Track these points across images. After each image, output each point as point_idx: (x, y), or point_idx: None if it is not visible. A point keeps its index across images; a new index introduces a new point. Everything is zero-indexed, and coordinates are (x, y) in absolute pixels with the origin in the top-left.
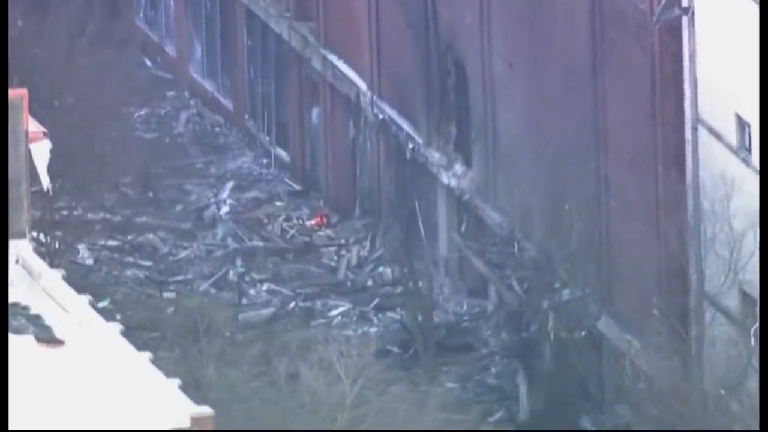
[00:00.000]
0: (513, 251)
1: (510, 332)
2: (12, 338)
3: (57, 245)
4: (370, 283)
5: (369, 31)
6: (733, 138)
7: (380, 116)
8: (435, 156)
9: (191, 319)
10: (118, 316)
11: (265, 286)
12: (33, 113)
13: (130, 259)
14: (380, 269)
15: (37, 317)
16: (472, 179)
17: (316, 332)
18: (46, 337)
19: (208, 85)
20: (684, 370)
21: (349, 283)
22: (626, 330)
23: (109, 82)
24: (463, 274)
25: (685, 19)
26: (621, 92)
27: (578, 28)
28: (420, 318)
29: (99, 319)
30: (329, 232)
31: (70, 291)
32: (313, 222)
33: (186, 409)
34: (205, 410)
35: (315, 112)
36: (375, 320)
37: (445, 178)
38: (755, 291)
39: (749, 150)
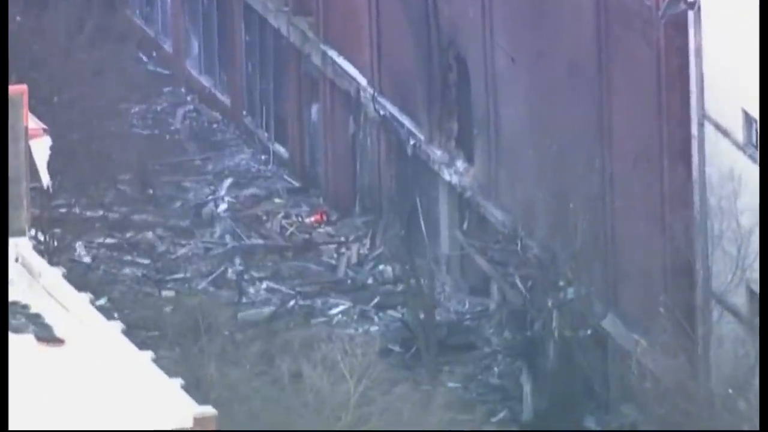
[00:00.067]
0: (516, 249)
1: (513, 331)
2: (12, 337)
3: (56, 243)
4: (370, 281)
5: (369, 26)
6: (739, 134)
7: (381, 112)
8: (436, 153)
9: (191, 317)
10: (116, 315)
11: (264, 285)
12: (32, 109)
13: (128, 257)
14: (381, 267)
15: (38, 316)
16: (474, 176)
17: (318, 331)
18: (47, 336)
19: (205, 81)
20: (691, 369)
21: (349, 281)
22: (632, 328)
23: (107, 79)
24: (465, 272)
25: (690, 14)
26: (626, 88)
27: (582, 22)
28: (421, 316)
29: (100, 317)
30: (329, 229)
31: (71, 289)
32: (312, 219)
33: (189, 409)
34: (208, 410)
35: (314, 109)
36: (376, 319)
37: (446, 174)
38: None
39: (756, 146)
